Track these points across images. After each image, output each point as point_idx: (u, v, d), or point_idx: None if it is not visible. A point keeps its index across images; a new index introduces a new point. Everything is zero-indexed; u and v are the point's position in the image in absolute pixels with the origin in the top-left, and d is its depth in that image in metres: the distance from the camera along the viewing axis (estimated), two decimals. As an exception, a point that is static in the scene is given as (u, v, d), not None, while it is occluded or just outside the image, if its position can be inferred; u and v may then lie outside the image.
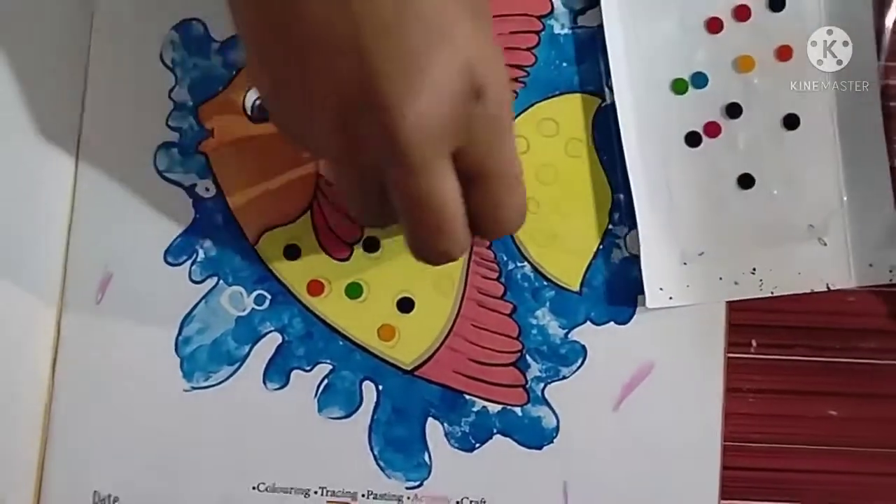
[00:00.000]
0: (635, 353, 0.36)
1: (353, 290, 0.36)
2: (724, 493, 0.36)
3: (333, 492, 0.36)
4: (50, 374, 0.36)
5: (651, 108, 0.36)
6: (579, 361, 0.36)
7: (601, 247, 0.36)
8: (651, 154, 0.36)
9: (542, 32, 0.37)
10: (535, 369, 0.36)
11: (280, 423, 0.36)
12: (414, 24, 0.26)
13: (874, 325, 0.36)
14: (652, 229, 0.36)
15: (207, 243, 0.37)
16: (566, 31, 0.37)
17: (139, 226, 0.36)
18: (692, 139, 0.36)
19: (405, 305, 0.36)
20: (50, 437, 0.36)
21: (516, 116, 0.36)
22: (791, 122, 0.36)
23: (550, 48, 0.37)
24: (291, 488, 0.36)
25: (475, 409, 0.36)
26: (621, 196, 0.36)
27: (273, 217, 0.37)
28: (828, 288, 0.36)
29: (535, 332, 0.36)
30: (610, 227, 0.36)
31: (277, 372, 0.36)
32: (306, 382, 0.36)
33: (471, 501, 0.36)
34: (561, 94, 0.37)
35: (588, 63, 0.37)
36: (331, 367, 0.36)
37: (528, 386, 0.36)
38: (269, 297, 0.36)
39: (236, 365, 0.36)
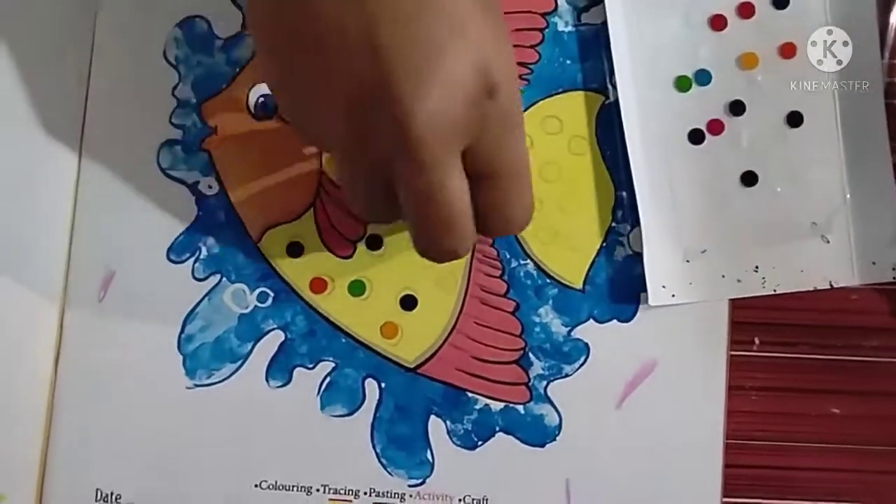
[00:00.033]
0: (638, 351, 0.36)
1: (356, 288, 0.36)
2: (727, 490, 0.36)
3: (336, 490, 0.36)
4: (52, 371, 0.36)
5: (654, 105, 0.36)
6: (582, 359, 0.36)
7: (604, 244, 0.36)
8: (654, 151, 0.36)
9: (546, 30, 0.37)
10: (537, 367, 0.36)
11: (282, 421, 0.36)
12: (429, 22, 0.26)
13: (877, 322, 0.36)
14: (655, 227, 0.36)
15: (210, 241, 0.37)
16: (570, 28, 0.37)
17: (142, 223, 0.36)
18: (695, 136, 0.36)
19: (408, 303, 0.36)
20: (52, 435, 0.36)
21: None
22: (794, 119, 0.36)
23: (554, 46, 0.37)
24: (294, 486, 0.36)
25: (478, 407, 0.36)
26: (624, 193, 0.36)
27: (276, 214, 0.37)
28: (831, 286, 0.36)
29: (537, 329, 0.36)
30: (613, 224, 0.36)
31: (280, 370, 0.36)
32: (309, 380, 0.36)
33: (473, 499, 0.36)
34: (564, 91, 0.37)
35: (592, 60, 0.37)
36: (333, 364, 0.36)
37: (530, 384, 0.36)
38: (271, 294, 0.36)
39: (239, 362, 0.36)
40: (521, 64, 0.36)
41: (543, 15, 0.37)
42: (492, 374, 0.36)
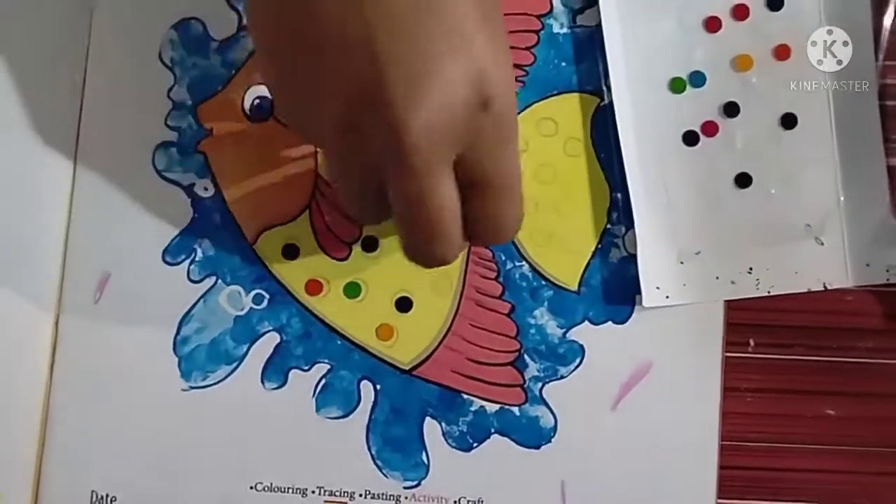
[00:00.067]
0: (633, 353, 0.36)
1: (352, 290, 0.36)
2: (722, 492, 0.36)
3: (331, 491, 0.36)
4: (48, 373, 0.36)
5: (649, 107, 0.36)
6: (577, 361, 0.36)
7: (599, 246, 0.36)
8: (649, 153, 0.36)
9: (542, 32, 0.37)
10: (533, 369, 0.36)
11: (278, 423, 0.36)
12: (429, 31, 0.26)
13: (871, 324, 0.36)
14: (649, 228, 0.36)
15: (206, 243, 0.37)
16: (565, 30, 0.37)
17: (137, 225, 0.36)
18: (690, 138, 0.36)
19: (403, 305, 0.36)
20: (48, 437, 0.36)
21: (515, 116, 0.37)
22: (789, 121, 0.36)
23: (549, 47, 0.37)
24: (289, 488, 0.36)
25: (473, 409, 0.36)
26: (620, 195, 0.36)
27: (271, 216, 0.37)
28: (825, 287, 0.36)
29: (533, 331, 0.36)
30: (608, 226, 0.36)
31: (276, 371, 0.36)
32: (304, 382, 0.36)
33: (468, 501, 0.36)
34: (560, 93, 0.37)
35: (587, 62, 0.37)
36: (329, 366, 0.36)
37: (525, 385, 0.36)
38: (267, 296, 0.36)
39: (234, 364, 0.36)
40: (516, 66, 0.36)
41: (539, 17, 0.37)
42: (487, 376, 0.36)
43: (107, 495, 0.36)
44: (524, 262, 0.37)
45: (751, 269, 0.36)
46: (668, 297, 0.36)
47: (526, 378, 0.36)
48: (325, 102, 0.28)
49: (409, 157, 0.27)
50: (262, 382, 0.36)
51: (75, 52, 0.37)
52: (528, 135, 0.36)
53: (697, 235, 0.36)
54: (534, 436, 0.36)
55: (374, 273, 0.36)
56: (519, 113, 0.36)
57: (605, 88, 0.36)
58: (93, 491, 0.36)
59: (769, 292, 0.36)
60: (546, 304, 0.36)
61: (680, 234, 0.36)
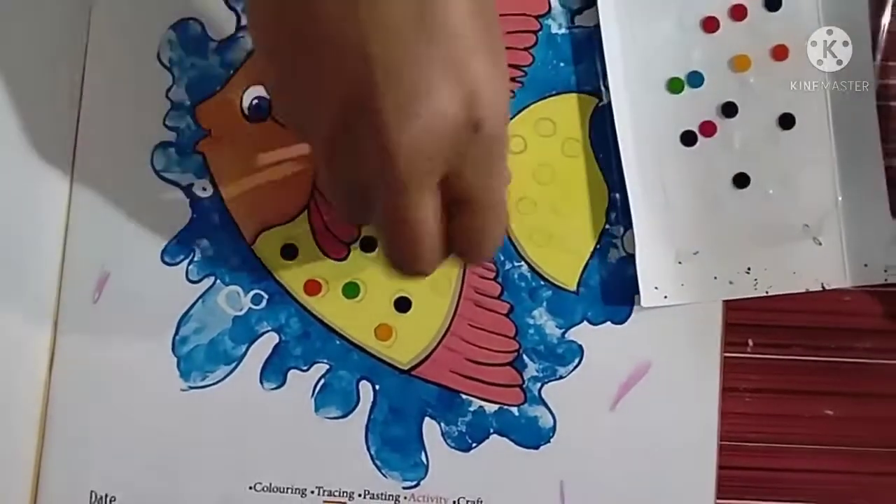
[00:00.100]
0: (632, 353, 0.36)
1: (351, 290, 0.36)
2: (721, 492, 0.36)
3: (330, 491, 0.36)
4: (47, 373, 0.36)
5: (647, 107, 0.36)
6: (576, 361, 0.36)
7: (598, 246, 0.37)
8: (647, 153, 0.36)
9: (540, 32, 0.37)
10: (531, 369, 0.36)
11: (277, 423, 0.36)
12: (423, 46, 0.26)
13: (870, 324, 0.36)
14: (647, 228, 0.36)
15: (204, 243, 0.37)
16: (563, 30, 0.37)
17: (136, 225, 0.36)
18: (688, 138, 0.36)
19: (402, 305, 0.36)
20: (47, 437, 0.36)
21: (513, 116, 0.37)
22: (786, 121, 0.36)
23: (548, 48, 0.37)
24: (288, 488, 0.36)
25: (472, 409, 0.36)
26: (618, 196, 0.36)
27: (270, 217, 0.37)
28: (823, 288, 0.36)
29: (531, 331, 0.36)
30: (607, 226, 0.37)
31: (274, 371, 0.36)
32: (303, 382, 0.36)
33: (467, 501, 0.36)
34: (558, 93, 0.37)
35: (585, 63, 0.37)
36: (328, 366, 0.36)
37: (524, 385, 0.36)
38: (266, 296, 0.37)
39: (233, 365, 0.36)
40: (514, 66, 0.37)
41: (537, 17, 0.37)
42: (486, 376, 0.36)
43: (106, 495, 0.36)
44: (523, 263, 0.37)
45: (749, 269, 0.36)
46: (666, 297, 0.36)
47: (525, 378, 0.36)
48: (322, 103, 0.28)
49: (393, 171, 0.27)
50: (261, 382, 0.36)
51: (74, 52, 0.37)
52: (527, 135, 0.36)
53: (696, 235, 0.36)
54: (533, 436, 0.36)
55: (373, 273, 0.37)
56: (517, 113, 0.37)
57: (603, 89, 0.37)
58: (92, 491, 0.36)
59: (767, 292, 0.36)
60: (545, 304, 0.36)
61: (678, 235, 0.36)
